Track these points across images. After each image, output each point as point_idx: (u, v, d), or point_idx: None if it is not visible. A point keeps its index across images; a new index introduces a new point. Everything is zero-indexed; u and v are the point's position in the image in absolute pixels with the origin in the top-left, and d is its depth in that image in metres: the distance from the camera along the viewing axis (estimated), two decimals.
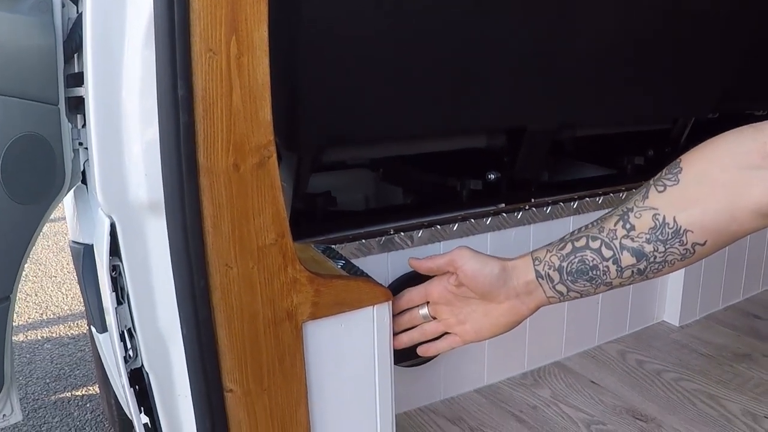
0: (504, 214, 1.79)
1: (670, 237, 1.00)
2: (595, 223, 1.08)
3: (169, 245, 1.06)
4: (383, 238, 1.61)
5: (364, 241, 1.58)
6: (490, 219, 1.77)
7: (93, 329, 1.65)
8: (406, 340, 1.33)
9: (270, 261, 1.12)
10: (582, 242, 1.08)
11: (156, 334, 1.16)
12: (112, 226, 1.09)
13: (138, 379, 1.22)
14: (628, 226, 1.03)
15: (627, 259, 1.04)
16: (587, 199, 1.97)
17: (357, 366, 1.30)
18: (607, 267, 1.05)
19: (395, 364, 1.46)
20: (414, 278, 1.63)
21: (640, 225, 1.02)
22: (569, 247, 1.09)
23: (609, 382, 1.96)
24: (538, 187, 1.97)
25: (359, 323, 1.26)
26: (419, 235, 1.65)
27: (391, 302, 1.30)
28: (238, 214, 1.07)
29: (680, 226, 1.00)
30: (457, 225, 1.71)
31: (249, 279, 1.11)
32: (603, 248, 1.05)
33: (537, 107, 1.78)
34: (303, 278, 1.16)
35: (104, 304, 1.23)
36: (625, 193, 2.04)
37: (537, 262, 1.13)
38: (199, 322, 1.09)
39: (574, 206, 1.94)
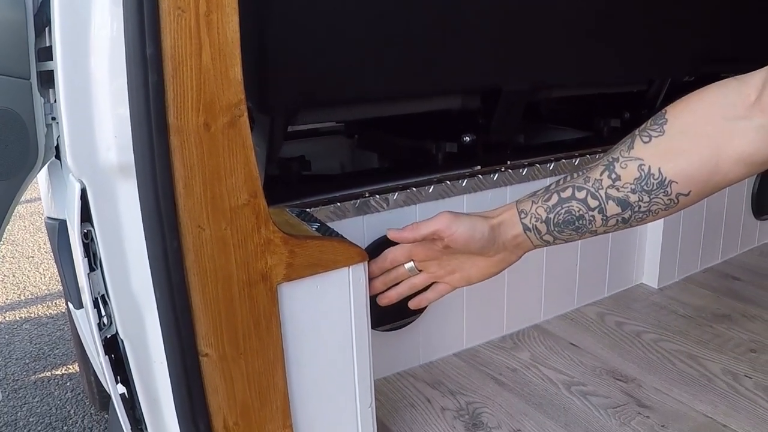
0: (480, 176, 1.79)
1: (655, 187, 1.03)
2: (580, 173, 1.11)
3: (141, 207, 1.05)
4: (358, 201, 1.61)
5: (339, 204, 1.57)
6: (465, 181, 1.77)
7: (70, 306, 1.64)
8: (394, 295, 1.34)
9: (243, 222, 1.12)
10: (568, 192, 1.11)
11: (129, 299, 1.15)
12: (83, 191, 1.08)
13: (113, 347, 1.21)
14: (613, 176, 1.06)
15: (612, 208, 1.07)
16: (564, 160, 1.97)
17: (334, 328, 1.30)
18: (593, 216, 1.09)
19: (373, 328, 1.46)
20: (389, 243, 1.64)
21: (626, 175, 1.05)
22: (555, 198, 1.12)
23: (588, 343, 1.97)
24: (514, 150, 1.97)
25: (335, 284, 1.26)
26: (395, 197, 1.65)
27: (366, 263, 1.30)
28: (209, 174, 1.07)
29: (665, 177, 1.02)
30: (432, 187, 1.71)
31: (222, 240, 1.10)
32: (589, 198, 1.08)
33: (511, 68, 1.78)
34: (277, 239, 1.16)
35: (77, 271, 1.22)
36: (601, 155, 2.04)
37: (523, 215, 1.17)
38: (172, 286, 1.08)
39: (551, 168, 1.94)
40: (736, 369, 1.84)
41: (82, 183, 1.07)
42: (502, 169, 1.84)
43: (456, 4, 1.60)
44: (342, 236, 1.32)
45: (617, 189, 1.06)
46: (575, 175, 1.12)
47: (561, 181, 1.14)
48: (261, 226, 1.13)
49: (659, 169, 1.03)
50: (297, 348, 1.26)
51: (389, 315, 1.71)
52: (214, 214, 1.09)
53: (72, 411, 2.62)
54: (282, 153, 1.70)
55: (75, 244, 1.16)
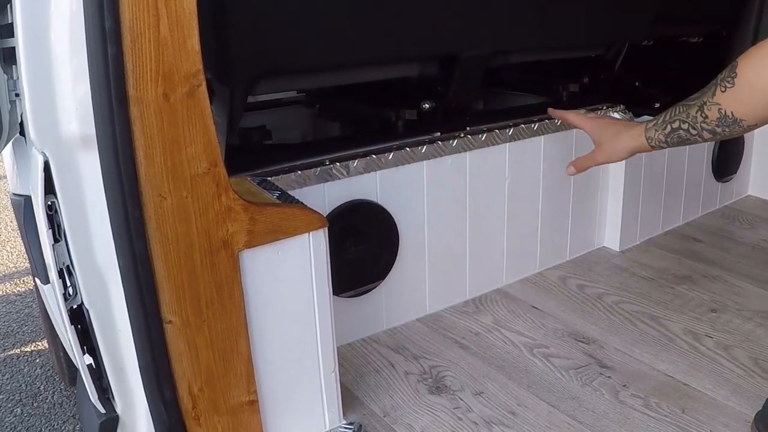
0: (440, 143, 1.83)
1: (731, 123, 1.31)
2: (683, 109, 1.41)
3: (102, 177, 1.08)
4: (319, 169, 1.64)
5: (300, 172, 1.61)
6: (425, 147, 1.80)
7: (38, 282, 1.66)
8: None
9: (203, 190, 1.15)
10: (676, 124, 1.43)
11: (94, 269, 1.18)
12: (46, 164, 1.11)
13: (79, 317, 1.24)
14: (703, 115, 1.36)
15: (707, 135, 1.38)
16: (523, 126, 2.01)
17: (296, 293, 1.34)
18: (696, 138, 1.40)
19: (336, 294, 1.49)
20: (352, 209, 1.67)
21: (711, 115, 1.34)
22: (668, 128, 1.45)
23: (550, 306, 2.02)
24: (473, 116, 2.00)
25: (296, 250, 1.30)
26: (355, 165, 1.68)
27: (326, 229, 1.33)
28: (169, 143, 1.10)
29: (737, 118, 1.30)
30: (392, 154, 1.75)
31: (183, 209, 1.14)
32: (690, 129, 1.40)
33: (468, 34, 1.80)
34: (237, 207, 1.19)
35: (41, 242, 1.25)
36: (559, 121, 2.08)
37: (650, 141, 1.51)
38: (135, 254, 1.11)
39: (510, 133, 1.97)
40: (696, 329, 1.89)
41: (45, 155, 1.10)
42: (462, 135, 1.88)
43: None
44: (303, 203, 1.35)
45: (707, 124, 1.35)
46: (680, 109, 1.41)
47: (671, 113, 1.44)
48: (221, 194, 1.17)
49: (732, 112, 1.30)
50: (259, 314, 1.29)
51: (352, 281, 1.76)
52: (174, 183, 1.12)
53: (42, 387, 2.63)
54: (243, 123, 1.72)
55: (39, 216, 1.18)
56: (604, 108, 2.26)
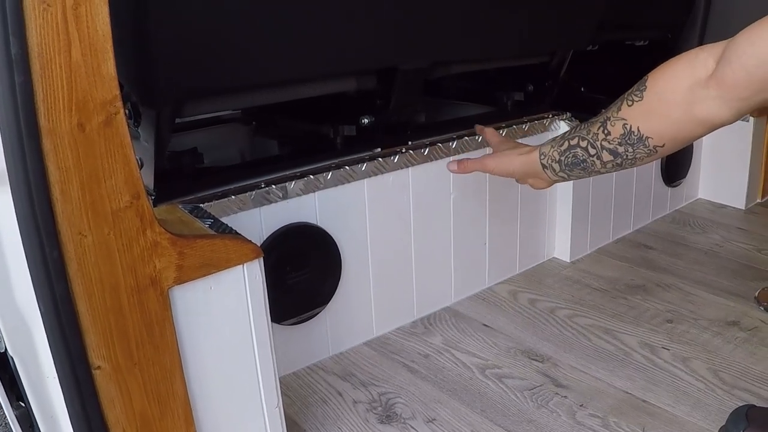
0: (380, 159, 1.78)
1: (635, 142, 1.26)
2: (584, 126, 1.35)
3: (16, 216, 1.02)
4: (255, 192, 1.58)
5: (234, 197, 1.55)
6: (365, 165, 1.75)
7: None
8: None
9: (127, 225, 1.09)
10: (575, 141, 1.37)
11: (15, 314, 1.14)
12: None
13: (4, 365, 1.20)
14: (605, 131, 1.30)
15: (606, 156, 1.32)
16: (467, 138, 1.97)
17: (232, 328, 1.28)
18: (593, 161, 1.35)
19: (277, 322, 1.44)
20: (290, 233, 1.62)
21: (614, 132, 1.28)
22: (566, 144, 1.39)
23: (501, 323, 1.98)
24: (414, 129, 1.95)
25: (230, 284, 1.25)
26: (292, 186, 1.63)
27: (261, 259, 1.28)
28: (87, 177, 1.03)
29: (643, 134, 1.25)
30: (331, 173, 1.70)
31: (106, 246, 1.07)
32: (589, 147, 1.34)
33: (406, 45, 1.76)
34: (164, 241, 1.13)
35: None
36: (505, 130, 2.05)
37: (542, 156, 1.45)
38: (56, 298, 1.05)
39: (453, 146, 1.93)
40: (653, 341, 1.87)
41: None
42: (403, 151, 1.83)
43: None
44: (236, 232, 1.30)
45: (608, 142, 1.30)
46: (582, 126, 1.36)
47: (572, 131, 1.38)
48: (146, 229, 1.11)
49: (638, 128, 1.25)
50: (195, 352, 1.24)
51: (294, 307, 1.70)
52: (95, 219, 1.05)
53: None
54: (175, 146, 1.67)
55: None
56: (550, 116, 2.22)
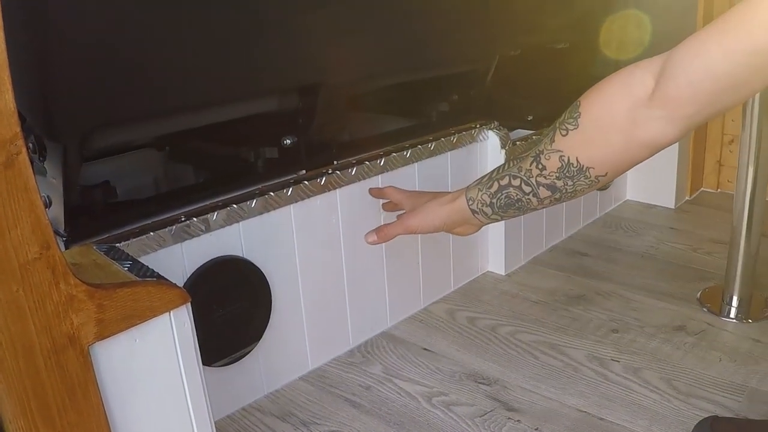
0: (306, 182, 1.70)
1: (575, 174, 1.20)
2: (513, 163, 1.29)
3: None
4: (174, 226, 1.48)
5: (152, 233, 1.45)
6: (291, 189, 1.67)
7: None
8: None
9: (37, 279, 0.98)
10: (505, 181, 1.30)
11: None
12: None
13: None
14: (540, 166, 1.23)
15: (544, 192, 1.25)
16: (394, 154, 1.90)
17: (162, 382, 1.19)
18: (529, 199, 1.28)
19: (208, 365, 1.35)
20: (215, 268, 1.54)
21: (550, 165, 1.21)
22: (495, 185, 1.32)
23: (442, 346, 1.91)
24: (339, 148, 1.87)
25: (156, 334, 1.15)
26: (214, 218, 1.54)
27: (188, 304, 1.19)
28: None
29: (582, 165, 1.18)
30: (255, 201, 1.61)
31: (15, 305, 0.97)
32: (523, 185, 1.27)
33: (325, 61, 1.68)
34: (81, 293, 1.03)
35: None
36: (433, 143, 1.98)
37: (471, 202, 1.38)
38: None
39: (381, 163, 1.86)
40: (601, 353, 1.82)
41: None
42: (330, 171, 1.75)
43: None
44: (158, 275, 1.20)
45: (545, 177, 1.23)
46: (511, 164, 1.30)
47: (500, 170, 1.33)
48: (59, 281, 1.00)
49: (576, 158, 1.18)
50: (123, 412, 1.14)
51: (224, 348, 1.61)
52: (2, 276, 0.95)
53: None
54: (85, 178, 1.56)
55: None
56: (478, 126, 2.16)
